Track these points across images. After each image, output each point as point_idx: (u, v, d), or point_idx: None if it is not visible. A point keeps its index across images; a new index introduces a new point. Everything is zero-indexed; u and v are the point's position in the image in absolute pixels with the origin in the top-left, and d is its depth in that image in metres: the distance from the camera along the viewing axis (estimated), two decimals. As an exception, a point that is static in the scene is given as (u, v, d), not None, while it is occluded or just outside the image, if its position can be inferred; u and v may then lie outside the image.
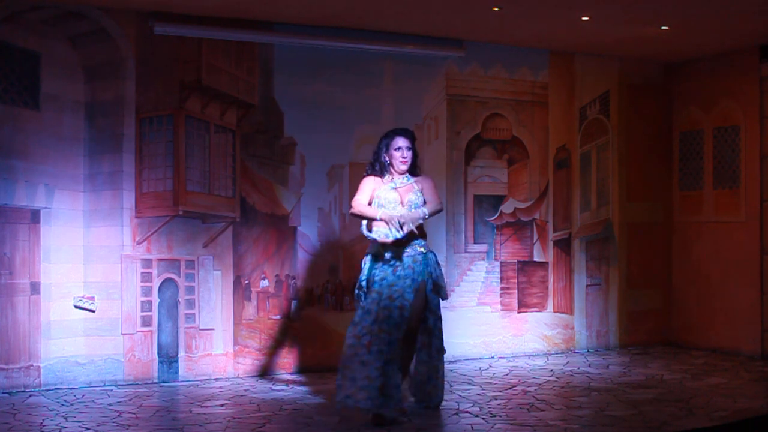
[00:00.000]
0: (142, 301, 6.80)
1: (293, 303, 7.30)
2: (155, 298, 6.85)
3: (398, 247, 5.62)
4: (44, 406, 5.95)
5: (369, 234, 5.68)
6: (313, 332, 7.33)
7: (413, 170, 5.85)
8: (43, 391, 6.41)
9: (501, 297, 8.11)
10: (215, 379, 6.95)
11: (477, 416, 5.67)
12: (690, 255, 8.64)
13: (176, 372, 6.89)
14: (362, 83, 7.55)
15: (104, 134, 6.67)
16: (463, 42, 7.82)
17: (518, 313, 8.17)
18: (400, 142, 5.76)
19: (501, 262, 8.13)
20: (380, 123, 7.34)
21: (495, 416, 5.67)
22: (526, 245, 8.25)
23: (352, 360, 5.40)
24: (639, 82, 8.72)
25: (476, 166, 8.07)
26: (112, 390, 6.51)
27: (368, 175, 5.84)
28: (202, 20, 6.91)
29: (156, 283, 6.85)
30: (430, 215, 5.73)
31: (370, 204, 5.74)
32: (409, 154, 5.77)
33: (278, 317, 7.25)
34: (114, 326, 6.69)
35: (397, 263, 5.61)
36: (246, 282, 7.15)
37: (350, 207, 5.79)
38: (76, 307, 6.59)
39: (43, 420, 5.55)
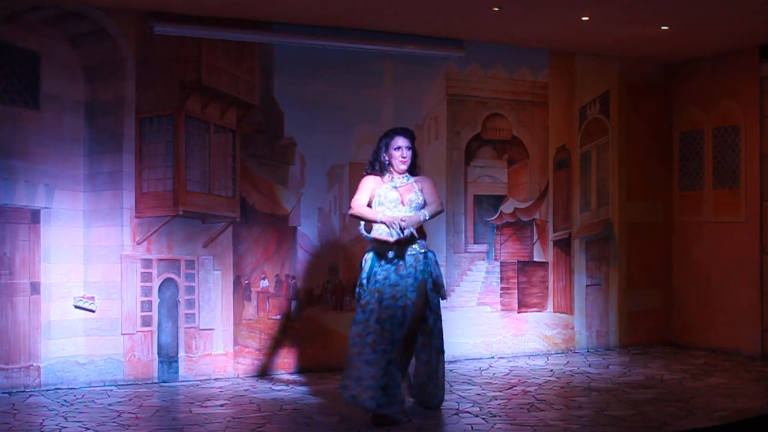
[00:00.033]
0: (142, 301, 6.80)
1: (293, 303, 7.30)
2: (155, 298, 6.85)
3: (400, 246, 5.61)
4: (44, 406, 5.95)
5: (367, 235, 5.68)
6: (313, 332, 7.33)
7: (413, 170, 5.86)
8: (43, 391, 6.41)
9: (501, 297, 8.11)
10: (215, 379, 6.95)
11: (477, 416, 5.68)
12: (690, 255, 8.64)
13: (176, 372, 6.89)
14: (362, 83, 7.55)
15: (104, 134, 6.67)
16: (463, 42, 7.82)
17: (518, 313, 8.17)
18: (400, 141, 5.75)
19: (501, 262, 8.13)
20: (380, 123, 7.34)
21: (495, 416, 5.67)
22: (526, 245, 8.25)
23: (357, 359, 5.40)
24: (639, 82, 8.72)
25: (476, 166, 8.07)
26: (112, 390, 6.51)
27: (368, 174, 5.84)
28: (202, 20, 6.91)
29: (156, 283, 6.85)
30: (431, 217, 5.73)
31: (370, 203, 5.74)
32: (408, 153, 5.76)
33: (278, 317, 7.25)
34: (114, 326, 6.69)
35: (400, 262, 5.61)
36: (246, 282, 7.15)
37: (350, 207, 5.79)
38: (76, 307, 6.59)
39: (43, 420, 5.55)
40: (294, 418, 5.67)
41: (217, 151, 7.06)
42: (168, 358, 6.87)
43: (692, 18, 7.02)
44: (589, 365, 7.65)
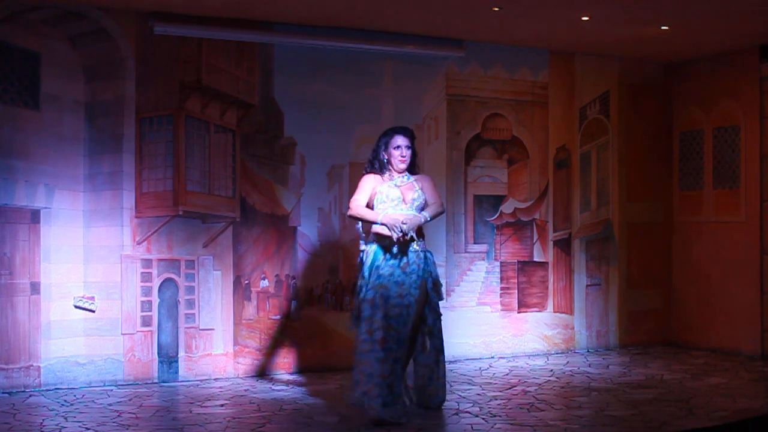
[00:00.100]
0: (142, 301, 6.80)
1: (293, 303, 7.30)
2: (155, 298, 6.85)
3: (401, 245, 5.60)
4: (44, 406, 5.95)
5: (362, 233, 5.69)
6: (313, 332, 7.33)
7: (412, 168, 5.85)
8: (43, 391, 6.41)
9: (501, 297, 8.11)
10: (215, 379, 6.95)
11: (477, 416, 5.67)
12: (690, 255, 8.64)
13: (176, 372, 6.89)
14: (362, 83, 7.55)
15: (104, 134, 6.67)
16: (463, 42, 7.82)
17: (518, 313, 8.17)
18: (400, 140, 5.75)
19: (501, 262, 8.13)
20: (380, 123, 7.33)
21: (495, 416, 5.67)
22: (526, 245, 8.25)
23: (367, 356, 5.40)
24: (639, 82, 8.72)
25: (476, 166, 8.07)
26: (112, 390, 6.51)
27: (367, 173, 5.83)
28: (202, 20, 6.91)
29: (156, 283, 6.85)
30: (432, 218, 5.73)
31: (370, 202, 5.73)
32: (408, 153, 5.76)
33: (278, 317, 7.25)
34: (114, 326, 6.69)
35: (404, 259, 5.59)
36: (246, 282, 7.15)
37: (348, 208, 5.77)
38: (76, 307, 6.59)
39: (43, 420, 5.55)
40: (294, 418, 5.67)
41: (217, 151, 7.06)
42: (168, 358, 6.87)
43: (692, 18, 7.02)
44: (589, 365, 7.65)
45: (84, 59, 6.63)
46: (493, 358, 7.95)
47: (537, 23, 7.26)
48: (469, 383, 6.80)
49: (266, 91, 7.23)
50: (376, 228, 5.64)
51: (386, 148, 5.76)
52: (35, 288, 6.46)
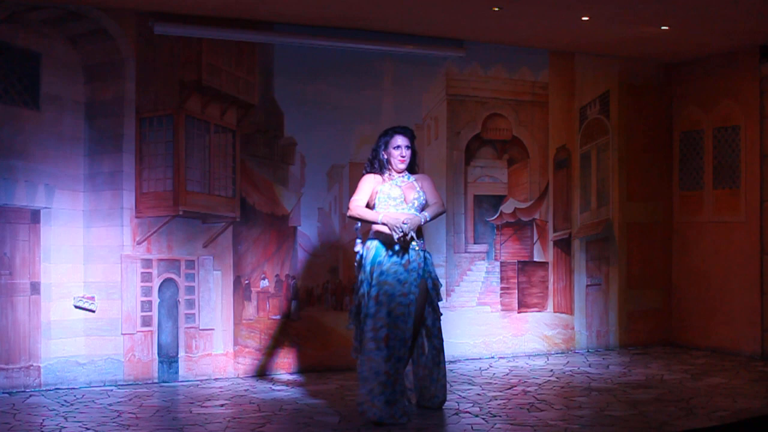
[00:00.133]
0: (142, 301, 6.80)
1: (293, 303, 7.30)
2: (155, 298, 6.85)
3: (405, 241, 5.60)
4: (44, 406, 5.95)
5: (360, 236, 5.69)
6: (313, 332, 7.33)
7: (412, 168, 5.85)
8: (43, 391, 6.41)
9: (501, 297, 8.11)
10: (215, 379, 6.95)
11: (477, 416, 5.68)
12: (690, 255, 8.64)
13: (176, 372, 6.89)
14: (362, 83, 7.55)
15: (104, 134, 6.67)
16: (463, 42, 7.82)
17: (518, 313, 8.17)
18: (399, 140, 5.74)
19: (501, 262, 8.13)
20: (380, 123, 7.33)
21: (495, 416, 5.67)
22: (526, 245, 8.25)
23: (375, 354, 5.40)
24: (639, 82, 8.72)
25: (476, 166, 8.07)
26: (112, 390, 6.51)
27: (367, 172, 5.82)
28: (202, 20, 6.91)
29: (156, 283, 6.85)
30: (432, 219, 5.72)
31: (370, 202, 5.72)
32: (407, 153, 5.75)
33: (278, 317, 7.25)
34: (114, 326, 6.69)
35: (406, 256, 5.59)
36: (246, 282, 7.15)
37: (348, 209, 5.76)
38: (76, 307, 6.59)
39: (43, 420, 5.55)
40: (294, 418, 5.67)
41: (217, 151, 7.06)
42: (168, 358, 6.87)
43: (692, 18, 7.02)
44: (589, 365, 7.65)
45: (84, 59, 6.63)
46: (493, 358, 7.95)
47: (537, 23, 7.26)
48: (469, 383, 6.80)
49: (266, 91, 7.23)
50: (376, 227, 5.64)
51: (386, 148, 5.76)
52: (35, 288, 6.46)
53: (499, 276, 8.10)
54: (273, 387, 6.71)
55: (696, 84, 8.59)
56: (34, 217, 6.47)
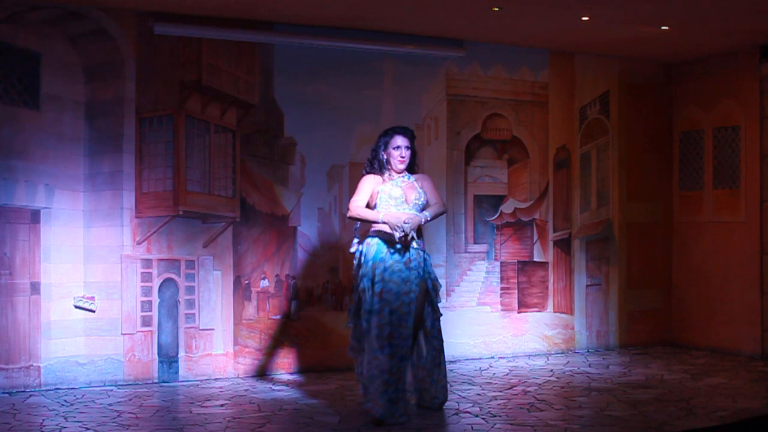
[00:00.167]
0: (142, 301, 6.80)
1: (293, 303, 7.30)
2: (155, 298, 6.85)
3: (406, 239, 5.60)
4: (44, 406, 5.95)
5: (358, 236, 5.69)
6: (313, 332, 7.33)
7: (411, 168, 5.84)
8: (43, 391, 6.41)
9: (501, 297, 8.11)
10: (215, 379, 6.95)
11: (477, 416, 5.67)
12: (690, 255, 8.64)
13: (176, 372, 6.89)
14: (362, 83, 7.55)
15: (104, 134, 6.67)
16: (463, 42, 7.82)
17: (518, 313, 8.17)
18: (399, 141, 5.73)
19: (501, 262, 8.13)
20: (380, 123, 7.33)
21: (495, 416, 5.67)
22: (526, 245, 8.25)
23: (380, 352, 5.40)
24: (639, 82, 8.72)
25: (476, 166, 8.07)
26: (112, 390, 6.51)
27: (367, 173, 5.81)
28: (202, 20, 6.91)
29: (156, 283, 6.85)
30: (432, 218, 5.72)
31: (370, 203, 5.72)
32: (407, 153, 5.75)
33: (278, 317, 7.25)
34: (114, 326, 6.69)
35: (407, 255, 5.59)
36: (246, 282, 7.15)
37: (348, 209, 5.76)
38: (76, 307, 6.59)
39: (43, 420, 5.55)
40: (294, 418, 5.67)
41: (217, 151, 7.06)
42: (168, 358, 6.87)
43: (692, 18, 7.02)
44: (589, 365, 7.65)
45: (84, 59, 6.63)
46: (493, 358, 7.95)
47: (537, 23, 7.26)
48: (469, 383, 6.80)
49: (266, 91, 7.23)
50: (377, 227, 5.63)
51: (386, 148, 5.76)
52: (35, 288, 6.46)
53: (499, 276, 8.10)
54: (273, 387, 6.71)
55: (696, 84, 8.59)
56: (34, 217, 6.47)
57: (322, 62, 7.37)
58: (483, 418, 5.61)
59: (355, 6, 6.70)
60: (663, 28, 7.32)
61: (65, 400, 6.13)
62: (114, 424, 5.47)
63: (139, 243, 6.77)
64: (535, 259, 8.28)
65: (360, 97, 7.54)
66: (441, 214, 5.85)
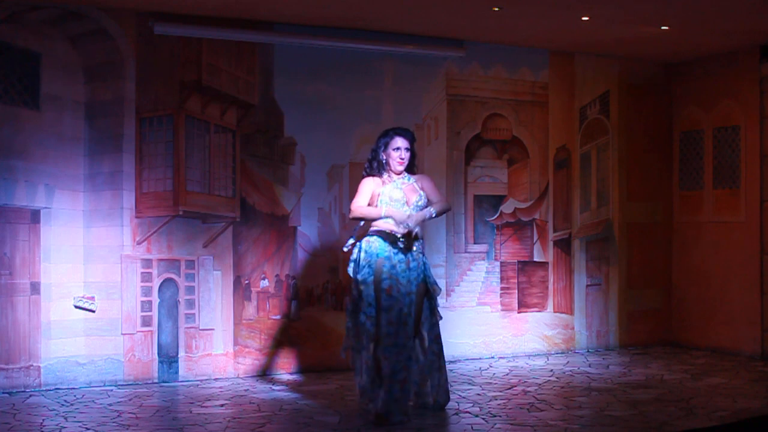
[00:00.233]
0: (142, 301, 6.80)
1: (293, 303, 7.30)
2: (155, 298, 6.85)
3: (409, 238, 5.59)
4: (44, 406, 5.95)
5: (355, 237, 5.69)
6: (313, 332, 7.33)
7: (410, 169, 5.83)
8: (43, 391, 6.41)
9: (501, 297, 8.11)
10: (215, 379, 6.95)
11: (477, 416, 5.68)
12: (690, 255, 8.64)
13: (176, 372, 6.89)
14: (362, 83, 7.55)
15: (104, 134, 6.67)
16: (463, 42, 7.82)
17: (518, 313, 8.17)
18: (399, 142, 5.72)
19: (501, 262, 8.13)
20: (380, 123, 7.33)
21: (495, 416, 5.67)
22: (526, 245, 8.25)
23: (383, 350, 5.41)
24: (639, 82, 8.72)
25: (476, 166, 8.07)
26: (112, 390, 6.51)
27: (367, 175, 5.80)
28: (202, 20, 6.91)
29: (156, 283, 6.85)
30: (437, 215, 5.71)
31: (371, 205, 5.70)
32: (407, 155, 5.74)
33: (278, 317, 7.25)
34: (114, 326, 6.69)
35: (409, 255, 5.59)
36: (246, 282, 7.15)
37: (350, 211, 5.74)
38: (76, 307, 6.59)
39: (43, 420, 5.55)
40: (294, 418, 5.67)
41: (217, 151, 7.06)
42: (168, 358, 6.87)
43: (692, 18, 7.02)
44: (589, 365, 7.65)
45: (84, 59, 6.63)
46: (493, 358, 7.95)
47: (537, 23, 7.26)
48: (469, 383, 6.80)
49: (266, 91, 7.23)
50: (378, 225, 5.61)
51: (385, 149, 5.74)
52: (35, 288, 6.46)
53: (499, 276, 8.10)
54: (273, 387, 6.72)
55: (696, 84, 8.59)
56: (34, 217, 6.47)
57: (322, 62, 7.38)
58: (483, 418, 5.61)
59: (355, 6, 6.70)
60: (663, 28, 7.32)
61: (65, 400, 6.13)
62: (114, 424, 5.47)
63: (139, 243, 6.77)
64: (535, 259, 8.28)
65: (360, 97, 7.54)
66: (446, 210, 5.85)
